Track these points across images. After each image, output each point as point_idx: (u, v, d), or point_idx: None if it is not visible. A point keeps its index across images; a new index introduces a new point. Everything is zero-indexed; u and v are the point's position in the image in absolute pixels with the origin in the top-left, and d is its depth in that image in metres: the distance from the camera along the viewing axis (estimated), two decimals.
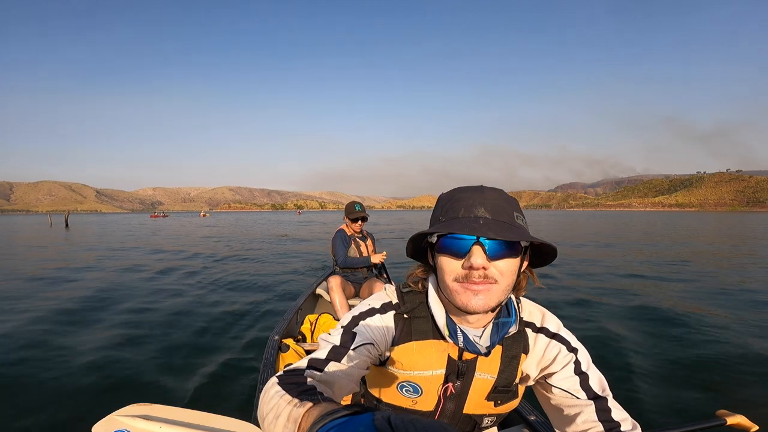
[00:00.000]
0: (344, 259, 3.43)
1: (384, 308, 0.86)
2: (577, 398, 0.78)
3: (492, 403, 0.87)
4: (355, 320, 0.83)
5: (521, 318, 0.85)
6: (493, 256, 0.69)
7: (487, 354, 0.80)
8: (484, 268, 0.68)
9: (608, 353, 3.45)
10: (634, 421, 0.75)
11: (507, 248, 0.69)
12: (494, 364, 0.84)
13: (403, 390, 0.87)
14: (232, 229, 27.66)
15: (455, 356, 0.84)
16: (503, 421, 1.46)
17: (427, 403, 0.87)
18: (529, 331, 0.86)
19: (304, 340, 2.69)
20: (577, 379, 0.80)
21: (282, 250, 12.90)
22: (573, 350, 0.83)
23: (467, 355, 0.84)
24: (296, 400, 0.55)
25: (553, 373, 0.82)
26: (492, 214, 0.70)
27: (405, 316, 0.85)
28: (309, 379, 0.66)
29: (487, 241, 0.68)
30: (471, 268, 0.68)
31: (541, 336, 0.85)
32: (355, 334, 0.80)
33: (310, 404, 0.52)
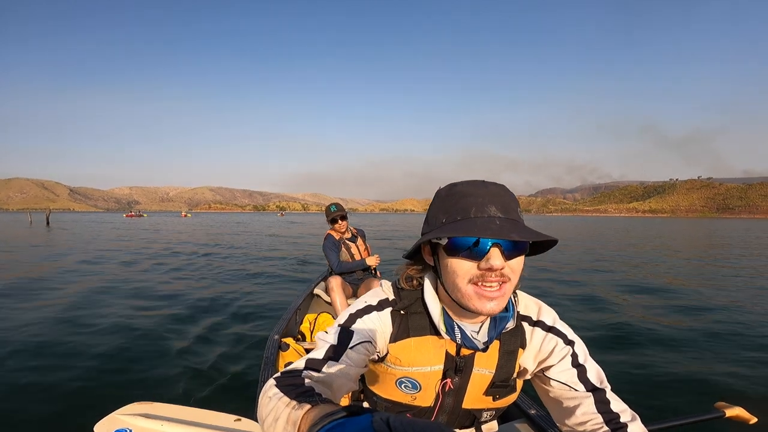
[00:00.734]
0: (338, 265, 3.41)
1: (381, 305, 0.85)
2: (576, 390, 0.78)
3: (490, 397, 0.88)
4: (352, 318, 0.83)
5: (518, 312, 0.85)
6: (508, 256, 0.68)
7: (484, 350, 0.80)
8: (501, 268, 0.67)
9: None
10: (633, 412, 0.76)
11: (521, 246, 0.69)
12: (492, 359, 0.84)
13: (402, 386, 0.87)
14: (221, 228, 27.32)
15: (453, 352, 0.84)
16: (503, 415, 1.45)
17: (425, 398, 0.87)
18: (525, 324, 0.86)
19: (303, 339, 2.76)
20: (574, 371, 0.80)
21: (272, 248, 12.91)
22: (570, 343, 0.83)
23: (465, 351, 0.84)
24: (294, 402, 0.55)
25: (551, 366, 0.82)
26: (503, 212, 0.69)
27: (402, 312, 0.85)
28: (307, 380, 0.66)
29: (504, 241, 0.67)
30: (490, 269, 0.67)
31: (538, 329, 0.85)
32: (352, 332, 0.80)
33: (308, 406, 0.52)
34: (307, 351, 2.42)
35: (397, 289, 0.88)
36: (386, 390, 0.90)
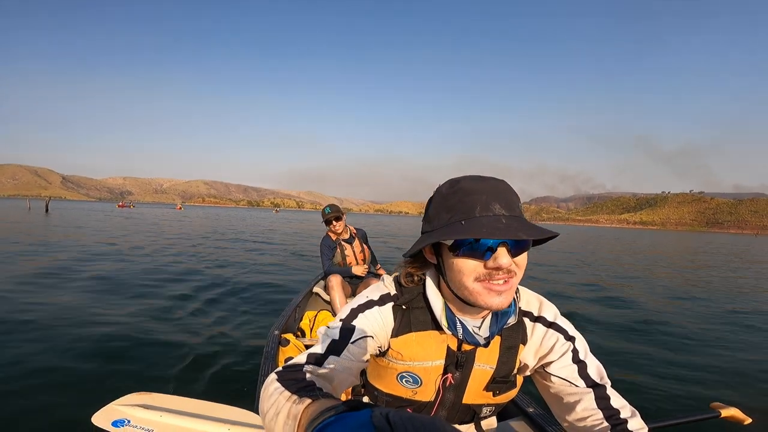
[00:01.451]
0: (328, 266, 3.49)
1: (383, 300, 0.85)
2: (576, 386, 0.78)
3: (491, 393, 0.88)
4: (354, 313, 0.82)
5: (519, 307, 0.85)
6: (515, 254, 0.68)
7: (486, 345, 0.80)
8: (508, 266, 0.68)
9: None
10: (633, 408, 0.76)
11: (525, 243, 0.69)
12: (493, 355, 0.84)
13: (403, 381, 0.87)
14: (219, 222, 27.16)
15: (454, 347, 0.84)
16: (501, 413, 1.48)
17: (426, 393, 0.87)
18: (526, 320, 0.86)
19: (303, 335, 2.79)
20: (575, 367, 0.80)
21: (271, 242, 12.64)
22: (570, 339, 0.83)
23: (466, 346, 0.84)
24: (295, 397, 0.55)
25: (552, 362, 0.82)
26: (508, 209, 0.68)
27: (404, 307, 0.84)
28: (308, 375, 0.66)
29: (511, 240, 0.66)
30: (498, 268, 0.67)
31: (539, 325, 0.85)
32: (354, 327, 0.80)
33: (309, 400, 0.52)
34: (307, 347, 2.41)
35: (398, 284, 0.87)
36: (387, 384, 0.90)
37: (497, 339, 0.83)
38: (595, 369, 0.80)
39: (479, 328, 0.80)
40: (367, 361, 0.83)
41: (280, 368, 0.69)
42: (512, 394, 0.91)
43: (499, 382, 0.86)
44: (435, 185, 0.75)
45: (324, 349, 0.75)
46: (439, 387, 0.87)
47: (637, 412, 0.75)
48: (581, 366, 0.80)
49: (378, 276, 3.75)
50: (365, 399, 1.01)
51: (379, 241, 17.74)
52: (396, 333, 0.84)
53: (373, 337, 0.81)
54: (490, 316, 0.81)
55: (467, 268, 0.70)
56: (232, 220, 37.50)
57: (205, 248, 11.49)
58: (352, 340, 0.77)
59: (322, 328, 0.83)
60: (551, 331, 0.84)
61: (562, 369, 0.80)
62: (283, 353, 2.30)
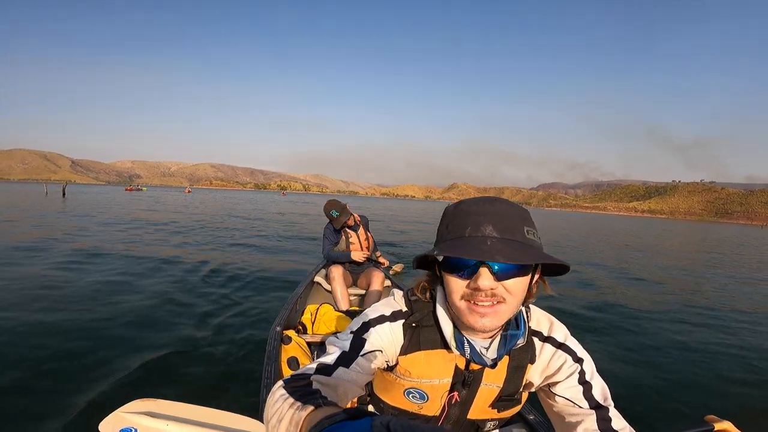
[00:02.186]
0: (327, 253, 3.51)
1: (394, 316, 0.86)
2: (580, 407, 0.79)
3: (496, 409, 0.89)
4: (366, 326, 0.83)
5: (529, 327, 0.85)
6: (501, 277, 0.68)
7: (493, 366, 0.80)
8: (491, 288, 0.67)
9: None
10: (633, 429, 0.77)
11: (517, 268, 0.68)
12: (500, 375, 0.85)
13: (410, 396, 0.88)
14: (230, 204, 27.24)
15: (462, 366, 0.85)
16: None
17: (432, 408, 0.89)
18: (536, 340, 0.86)
19: (304, 331, 2.71)
20: (580, 388, 0.80)
21: (282, 225, 12.64)
22: (578, 360, 0.83)
23: (474, 366, 0.84)
24: (299, 404, 0.56)
25: (557, 383, 0.82)
26: (500, 232, 0.67)
27: (414, 325, 0.85)
28: (315, 384, 0.67)
29: (497, 262, 0.66)
30: (477, 289, 0.68)
31: (548, 345, 0.85)
32: (365, 340, 0.80)
33: (311, 408, 0.53)
34: (309, 344, 2.46)
35: (409, 300, 0.88)
36: (393, 398, 0.91)
37: (505, 359, 0.84)
38: (600, 390, 0.80)
39: (487, 349, 0.80)
40: (374, 374, 0.84)
41: (288, 377, 0.70)
42: (516, 409, 0.92)
43: (504, 399, 0.87)
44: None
45: (333, 359, 0.76)
46: (444, 404, 0.88)
47: None
48: (586, 387, 0.80)
49: (378, 264, 3.80)
50: (370, 408, 1.02)
51: (385, 226, 17.67)
52: (405, 351, 0.85)
53: (382, 352, 0.82)
54: (499, 337, 0.80)
55: (456, 285, 0.71)
56: (243, 202, 37.44)
57: (214, 235, 11.48)
58: (362, 353, 0.78)
59: (332, 338, 0.84)
60: (560, 351, 0.84)
61: (567, 390, 0.81)
62: (286, 352, 2.26)
